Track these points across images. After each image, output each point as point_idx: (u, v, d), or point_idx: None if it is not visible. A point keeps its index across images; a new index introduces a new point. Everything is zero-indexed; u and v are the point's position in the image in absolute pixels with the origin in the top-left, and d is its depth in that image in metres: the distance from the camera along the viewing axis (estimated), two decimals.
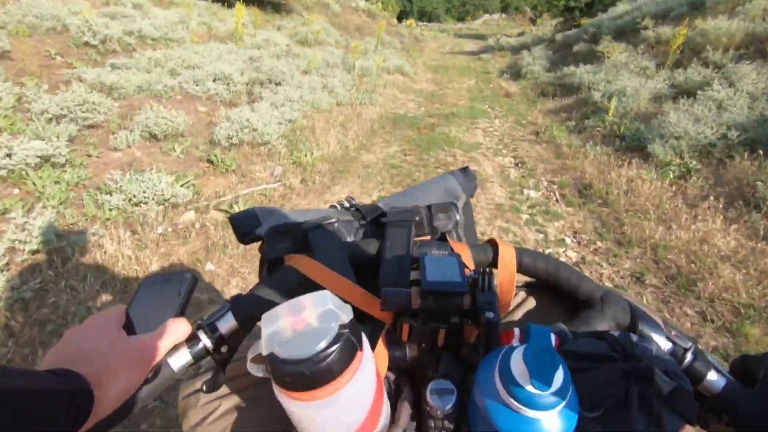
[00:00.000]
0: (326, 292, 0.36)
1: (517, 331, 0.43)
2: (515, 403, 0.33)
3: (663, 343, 0.47)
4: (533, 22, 31.56)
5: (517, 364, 0.33)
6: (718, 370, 0.47)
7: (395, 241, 0.55)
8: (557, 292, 0.59)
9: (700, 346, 0.49)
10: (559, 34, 12.88)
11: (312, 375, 0.32)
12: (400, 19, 24.87)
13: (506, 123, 5.84)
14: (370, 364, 0.37)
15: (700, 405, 0.42)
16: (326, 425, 0.36)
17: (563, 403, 0.32)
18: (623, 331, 0.48)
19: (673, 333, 0.49)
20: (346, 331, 0.33)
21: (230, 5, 11.22)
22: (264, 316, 0.35)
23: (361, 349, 0.35)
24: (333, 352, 0.32)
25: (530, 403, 0.32)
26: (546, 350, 0.33)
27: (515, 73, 10.03)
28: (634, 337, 0.45)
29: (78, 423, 0.32)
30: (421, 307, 0.43)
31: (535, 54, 10.26)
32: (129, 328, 0.43)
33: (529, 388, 0.32)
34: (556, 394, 0.32)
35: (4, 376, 0.28)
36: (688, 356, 0.47)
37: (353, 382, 0.34)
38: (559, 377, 0.32)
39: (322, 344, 0.32)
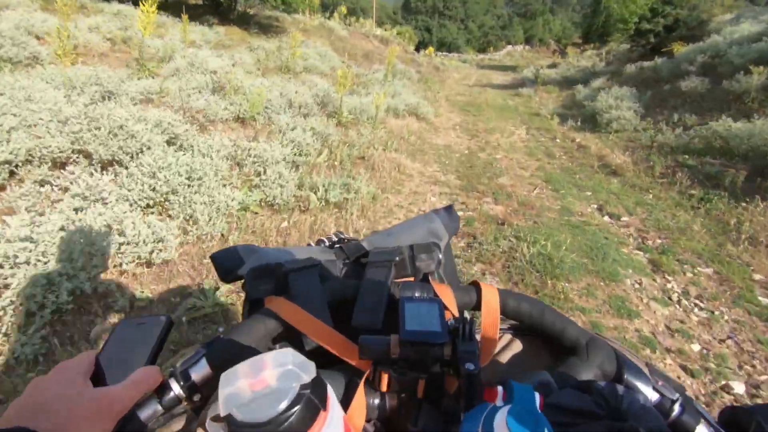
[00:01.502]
0: (288, 350, 0.35)
1: (500, 389, 0.40)
2: None
3: (650, 394, 0.47)
4: (562, 54, 28.95)
5: (500, 427, 0.32)
6: (707, 422, 0.46)
7: (373, 283, 0.54)
8: (544, 335, 0.56)
9: (687, 394, 0.47)
10: (630, 66, 9.69)
11: None
12: (417, 50, 22.23)
13: (720, 315, 2.02)
14: (337, 422, 0.35)
15: None
16: None
17: None
18: (609, 381, 0.47)
19: (659, 383, 0.48)
20: (308, 391, 0.32)
21: (177, 13, 8.48)
22: (222, 376, 0.33)
23: (325, 410, 0.34)
24: (292, 414, 0.30)
25: None
26: (530, 413, 0.32)
27: (586, 119, 6.76)
28: (620, 389, 0.44)
29: None
30: (400, 356, 0.41)
31: (614, 92, 6.98)
32: (99, 376, 0.41)
33: None
34: None
35: None
36: (676, 408, 0.46)
37: None
38: None
39: (281, 406, 0.31)
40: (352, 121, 5.17)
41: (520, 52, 41.86)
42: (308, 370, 0.33)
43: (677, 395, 0.46)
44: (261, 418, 0.30)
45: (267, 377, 0.32)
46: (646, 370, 0.50)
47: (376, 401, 0.44)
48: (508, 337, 0.61)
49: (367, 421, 0.44)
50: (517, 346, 0.59)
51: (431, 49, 21.60)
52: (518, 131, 6.40)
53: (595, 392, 0.43)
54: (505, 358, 0.58)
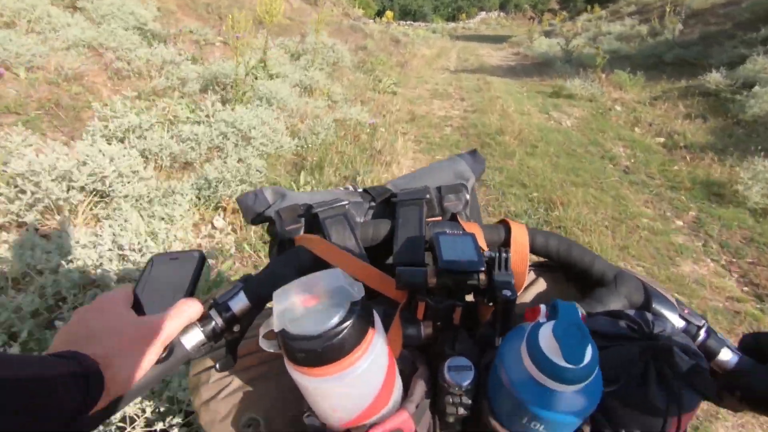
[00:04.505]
0: (337, 270, 0.36)
1: (543, 307, 0.43)
2: (545, 377, 0.33)
3: (676, 321, 0.48)
4: (540, 20, 23.46)
5: (547, 339, 0.33)
6: (729, 348, 0.48)
7: (407, 220, 0.55)
8: (567, 273, 0.59)
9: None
10: None
11: (323, 351, 0.32)
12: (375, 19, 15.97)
13: None
14: (382, 342, 0.37)
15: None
16: (338, 400, 0.37)
17: (592, 377, 0.33)
18: (637, 310, 0.48)
19: (686, 311, 0.49)
20: (358, 308, 0.34)
21: None
22: (275, 293, 0.35)
23: (373, 327, 0.35)
24: (344, 329, 0.32)
25: (561, 377, 0.32)
26: (577, 325, 0.33)
27: None
28: (649, 316, 0.45)
29: (88, 404, 0.32)
30: (437, 285, 0.44)
31: None
32: (138, 307, 0.43)
33: (561, 362, 0.32)
34: (585, 368, 0.32)
35: (5, 366, 0.28)
36: (702, 334, 0.48)
37: (365, 359, 0.34)
38: (589, 352, 0.32)
39: (333, 321, 0.32)
40: None
41: (495, 19, 35.89)
42: (357, 289, 0.34)
43: (703, 321, 0.48)
44: (313, 331, 0.31)
45: (319, 294, 0.34)
46: (673, 301, 0.51)
47: (411, 330, 0.45)
48: (531, 275, 0.61)
49: (404, 348, 0.45)
50: (542, 284, 0.60)
51: (390, 13, 15.44)
52: None
53: (626, 318, 0.44)
54: (529, 296, 0.58)
